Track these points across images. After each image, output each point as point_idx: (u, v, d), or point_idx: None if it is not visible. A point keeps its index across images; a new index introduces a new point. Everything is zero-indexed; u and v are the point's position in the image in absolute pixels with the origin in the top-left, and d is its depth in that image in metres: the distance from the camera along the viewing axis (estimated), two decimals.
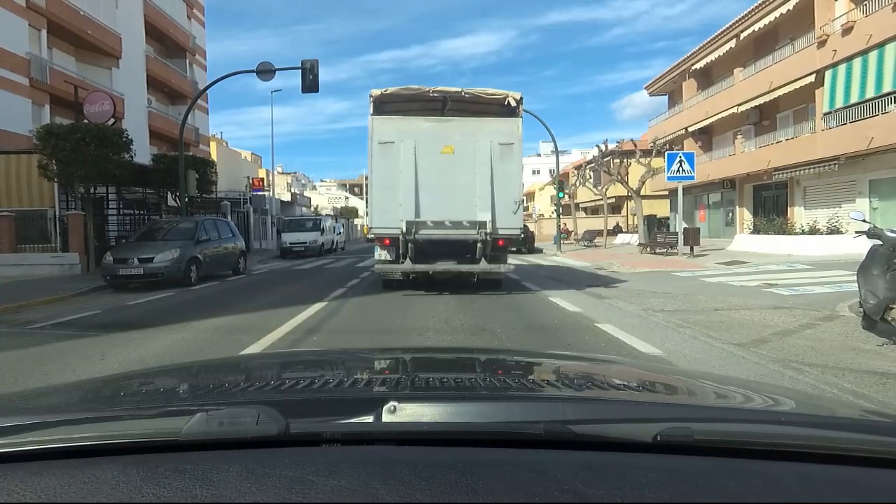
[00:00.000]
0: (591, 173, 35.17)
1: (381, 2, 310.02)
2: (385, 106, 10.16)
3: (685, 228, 17.74)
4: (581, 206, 49.70)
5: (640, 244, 20.41)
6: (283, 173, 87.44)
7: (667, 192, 35.34)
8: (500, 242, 10.15)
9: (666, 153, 17.33)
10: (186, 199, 22.26)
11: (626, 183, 20.91)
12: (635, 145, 21.37)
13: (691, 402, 1.24)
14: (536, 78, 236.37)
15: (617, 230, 31.67)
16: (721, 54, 26.01)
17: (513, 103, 9.89)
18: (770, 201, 25.23)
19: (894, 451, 0.81)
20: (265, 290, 11.55)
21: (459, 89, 9.97)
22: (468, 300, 9.14)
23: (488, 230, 9.69)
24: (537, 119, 23.35)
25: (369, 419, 0.85)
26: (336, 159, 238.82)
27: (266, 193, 32.82)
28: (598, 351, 5.25)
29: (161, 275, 11.71)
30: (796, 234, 17.27)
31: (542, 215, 59.83)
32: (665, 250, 18.17)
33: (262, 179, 32.03)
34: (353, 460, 0.74)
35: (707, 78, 29.65)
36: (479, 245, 9.89)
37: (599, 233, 28.26)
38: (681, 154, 16.90)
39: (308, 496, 0.65)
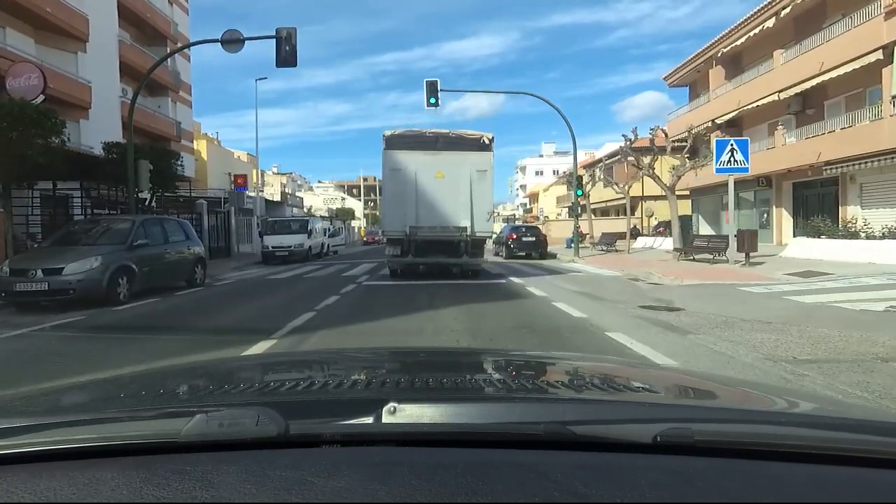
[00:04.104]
0: (603, 173, 32.34)
1: (383, 3, 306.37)
2: (393, 142, 13.16)
3: (740, 231, 14.85)
4: (590, 207, 46.72)
5: (675, 249, 17.53)
6: (278, 173, 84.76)
7: (688, 192, 32.53)
8: (478, 241, 13.28)
9: (714, 140, 14.45)
10: (153, 195, 19.46)
11: (659, 178, 18.08)
12: (666, 135, 18.50)
13: (691, 403, 1.23)
14: (539, 80, 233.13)
15: (635, 233, 28.79)
16: (755, 36, 23.19)
17: (486, 141, 13.07)
18: (814, 200, 22.35)
19: (895, 452, 0.79)
20: (208, 313, 8.69)
21: (448, 131, 13.46)
22: (486, 336, 6.27)
23: (468, 233, 12.85)
24: (556, 110, 20.53)
25: (369, 420, 0.85)
26: (337, 161, 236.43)
27: (252, 191, 29.90)
28: None
29: (72, 291, 8.83)
30: (874, 237, 14.38)
31: (548, 217, 56.94)
32: (712, 256, 15.24)
33: (246, 176, 29.06)
34: (352, 461, 0.73)
35: (736, 65, 26.80)
36: (461, 244, 12.98)
37: (620, 236, 25.37)
38: (732, 141, 14.04)
39: (308, 497, 0.64)
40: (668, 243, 26.50)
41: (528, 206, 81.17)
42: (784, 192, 23.84)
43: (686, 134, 20.19)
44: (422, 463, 0.72)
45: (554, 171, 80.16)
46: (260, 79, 33.12)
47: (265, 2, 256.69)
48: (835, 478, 0.73)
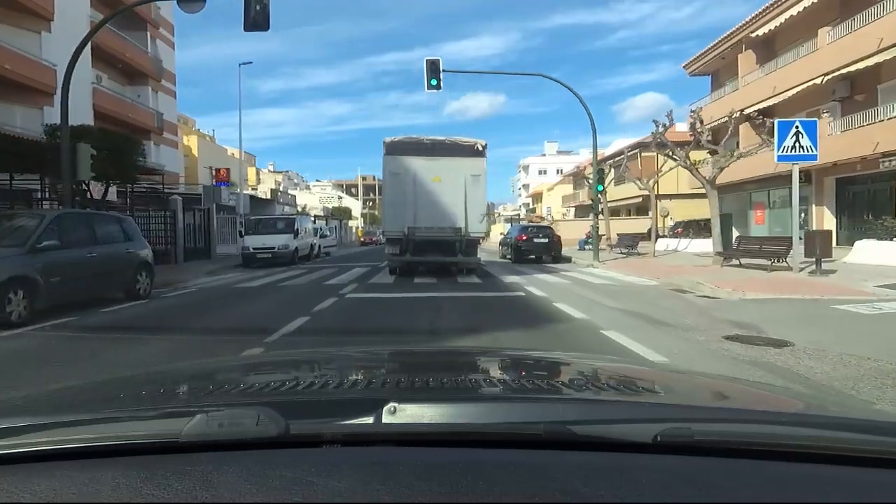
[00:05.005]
0: (623, 166, 29.89)
1: (384, 4, 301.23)
2: (393, 148, 14.14)
3: (808, 231, 12.38)
4: (605, 206, 44.04)
5: (717, 253, 15.02)
6: (274, 171, 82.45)
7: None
8: (472, 241, 14.25)
9: (776, 122, 11.97)
10: (107, 188, 16.97)
11: (697, 171, 15.62)
12: (702, 122, 16.00)
13: (691, 403, 1.22)
14: (540, 80, 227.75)
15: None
16: (794, 15, 20.72)
17: (480, 148, 14.06)
18: (863, 197, 19.91)
19: (894, 451, 0.79)
20: (108, 349, 6.17)
21: (444, 138, 14.28)
22: None
23: (463, 233, 13.84)
24: (574, 93, 18.04)
25: (369, 420, 0.85)
26: (337, 161, 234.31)
27: (235, 187, 27.38)
28: None
29: None
30: None
31: (554, 217, 54.31)
32: (770, 262, 12.72)
33: (228, 170, 26.53)
34: (353, 461, 0.73)
35: (769, 49, 24.35)
36: (457, 243, 13.87)
37: (642, 237, 22.87)
38: (798, 123, 11.57)
39: (308, 497, 0.64)
40: (694, 245, 24.03)
41: (531, 206, 78.62)
42: (826, 189, 21.38)
43: (723, 120, 17.70)
44: (422, 463, 0.71)
45: (558, 171, 77.71)
46: (244, 63, 30.38)
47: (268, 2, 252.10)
48: (835, 478, 0.73)
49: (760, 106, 23.12)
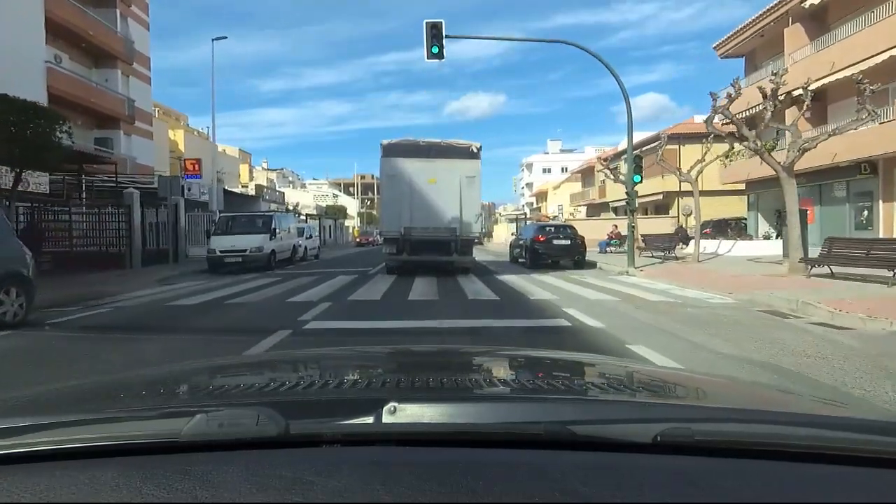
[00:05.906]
0: (659, 153, 26.56)
1: (384, 4, 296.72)
2: (391, 150, 14.63)
3: None
4: (612, 205, 41.07)
5: (801, 260, 11.74)
6: (267, 169, 79.43)
7: (744, 186, 26.88)
8: (466, 241, 14.58)
9: None
10: (18, 176, 13.72)
11: (769, 155, 12.44)
12: (774, 95, 12.63)
13: (691, 403, 1.20)
14: (541, 81, 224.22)
15: (683, 235, 23.08)
16: None
17: (475, 150, 14.49)
18: None
19: (894, 451, 0.78)
20: None
21: (440, 140, 14.75)
22: None
23: (458, 233, 14.24)
24: (603, 63, 14.97)
25: (369, 420, 0.84)
26: (337, 161, 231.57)
27: (206, 180, 24.10)
28: None
29: None
30: None
31: (563, 216, 51.11)
32: (893, 273, 9.45)
33: (199, 161, 23.25)
34: (352, 461, 0.72)
35: (820, 22, 21.17)
36: (452, 243, 14.29)
37: (679, 237, 19.63)
38: None
39: (308, 497, 0.64)
40: (740, 247, 20.88)
41: (535, 205, 75.42)
42: None
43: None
44: (422, 462, 0.71)
45: (562, 169, 74.72)
46: (217, 38, 27.14)
47: (269, 2, 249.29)
48: (836, 478, 0.72)
49: (819, 84, 19.89)
